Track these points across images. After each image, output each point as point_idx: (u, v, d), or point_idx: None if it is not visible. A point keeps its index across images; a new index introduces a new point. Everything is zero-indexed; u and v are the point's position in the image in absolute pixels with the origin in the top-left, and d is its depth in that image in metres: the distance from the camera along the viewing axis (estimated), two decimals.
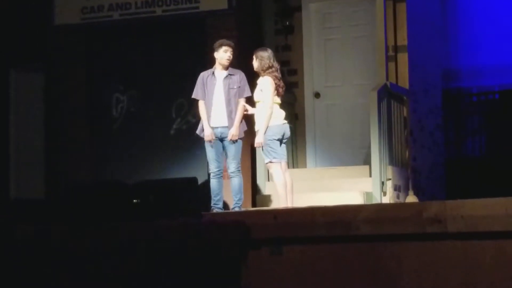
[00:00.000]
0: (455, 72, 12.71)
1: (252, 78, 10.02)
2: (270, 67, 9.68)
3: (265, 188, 11.06)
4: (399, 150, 10.83)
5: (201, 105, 10.04)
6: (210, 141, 9.91)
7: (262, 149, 9.61)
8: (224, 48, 9.95)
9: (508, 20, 12.54)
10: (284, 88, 9.83)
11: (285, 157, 9.78)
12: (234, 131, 9.83)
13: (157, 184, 9.79)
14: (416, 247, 7.25)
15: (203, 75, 10.08)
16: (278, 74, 9.74)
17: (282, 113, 9.74)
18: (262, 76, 9.71)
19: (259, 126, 9.64)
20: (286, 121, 9.77)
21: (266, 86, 9.63)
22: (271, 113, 9.58)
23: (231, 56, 9.95)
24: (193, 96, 10.11)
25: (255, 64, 9.74)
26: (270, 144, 9.54)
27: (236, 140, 9.84)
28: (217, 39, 10.18)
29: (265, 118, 9.56)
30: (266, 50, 9.86)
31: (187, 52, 11.82)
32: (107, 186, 9.87)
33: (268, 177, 11.01)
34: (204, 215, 8.55)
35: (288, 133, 9.78)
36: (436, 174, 11.87)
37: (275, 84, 9.66)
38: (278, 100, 9.74)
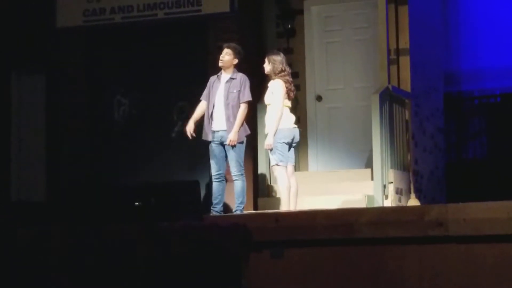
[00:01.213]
0: (456, 75, 12.71)
1: (253, 80, 10.02)
2: (282, 70, 9.71)
3: (267, 191, 11.04)
4: (400, 153, 10.83)
5: (200, 104, 10.07)
6: (187, 136, 10.04)
7: (270, 151, 9.62)
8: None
9: (509, 23, 12.54)
10: (294, 92, 9.87)
11: (293, 160, 9.79)
12: (232, 136, 9.80)
13: (159, 187, 9.78)
14: (418, 250, 7.23)
15: (211, 78, 10.12)
16: (290, 78, 9.77)
17: (292, 117, 9.76)
18: (274, 79, 9.72)
19: (269, 129, 9.63)
20: (296, 125, 9.78)
21: (278, 89, 9.64)
22: (281, 115, 9.59)
23: (223, 58, 9.94)
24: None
25: (267, 67, 9.75)
26: (279, 147, 9.54)
27: (235, 145, 9.82)
28: (218, 42, 10.17)
29: (275, 121, 9.56)
30: (278, 54, 9.88)
31: (189, 55, 11.81)
32: (108, 189, 9.87)
33: (271, 180, 11.01)
34: (205, 218, 8.55)
35: (297, 137, 9.79)
36: (438, 177, 11.86)
37: (286, 87, 9.68)
38: (289, 103, 9.76)
